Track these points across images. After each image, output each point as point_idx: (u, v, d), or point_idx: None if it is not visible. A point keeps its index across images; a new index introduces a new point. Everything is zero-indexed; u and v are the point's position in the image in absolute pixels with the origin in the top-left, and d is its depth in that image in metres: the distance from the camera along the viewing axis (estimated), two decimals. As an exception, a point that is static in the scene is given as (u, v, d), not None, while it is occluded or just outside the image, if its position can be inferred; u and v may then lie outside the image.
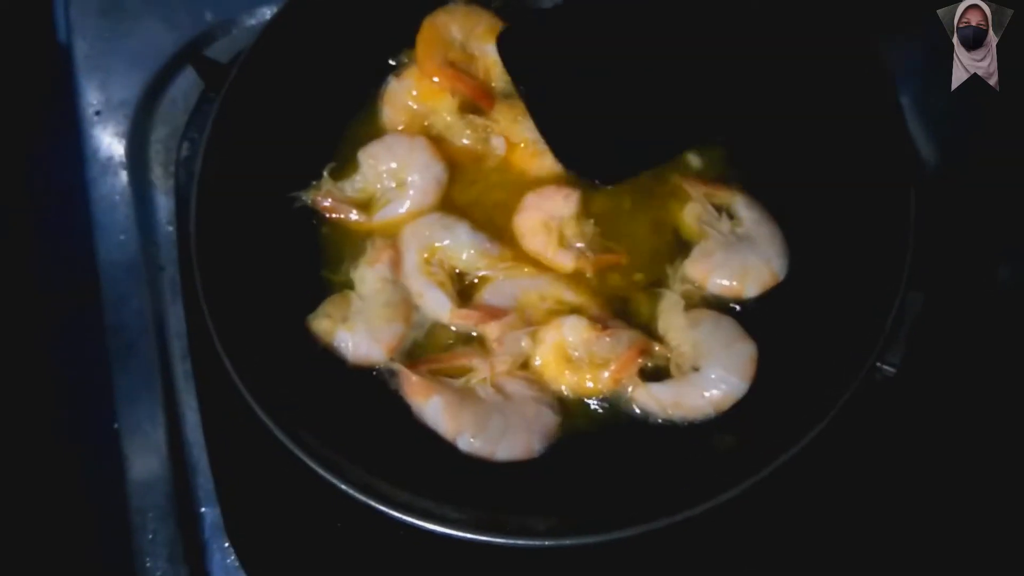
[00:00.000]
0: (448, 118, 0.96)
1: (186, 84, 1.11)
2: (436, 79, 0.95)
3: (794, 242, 0.90)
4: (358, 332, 0.86)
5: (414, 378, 0.84)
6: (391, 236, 0.93)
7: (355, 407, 0.85)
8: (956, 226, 0.94)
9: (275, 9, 1.12)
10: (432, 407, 0.83)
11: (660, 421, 0.84)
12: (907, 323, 0.79)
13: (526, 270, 0.90)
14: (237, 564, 0.90)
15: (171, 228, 1.05)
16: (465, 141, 0.97)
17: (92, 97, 1.12)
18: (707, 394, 0.83)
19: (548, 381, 0.86)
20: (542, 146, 0.94)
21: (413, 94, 0.97)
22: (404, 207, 0.94)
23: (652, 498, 0.75)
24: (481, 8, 1.00)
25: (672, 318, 0.87)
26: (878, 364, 0.76)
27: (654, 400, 0.84)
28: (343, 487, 0.73)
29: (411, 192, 0.94)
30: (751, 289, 0.89)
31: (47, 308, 1.07)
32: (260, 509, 0.90)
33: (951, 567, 0.83)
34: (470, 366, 0.87)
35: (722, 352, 0.84)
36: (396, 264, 0.91)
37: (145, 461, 0.95)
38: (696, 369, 0.85)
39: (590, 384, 0.85)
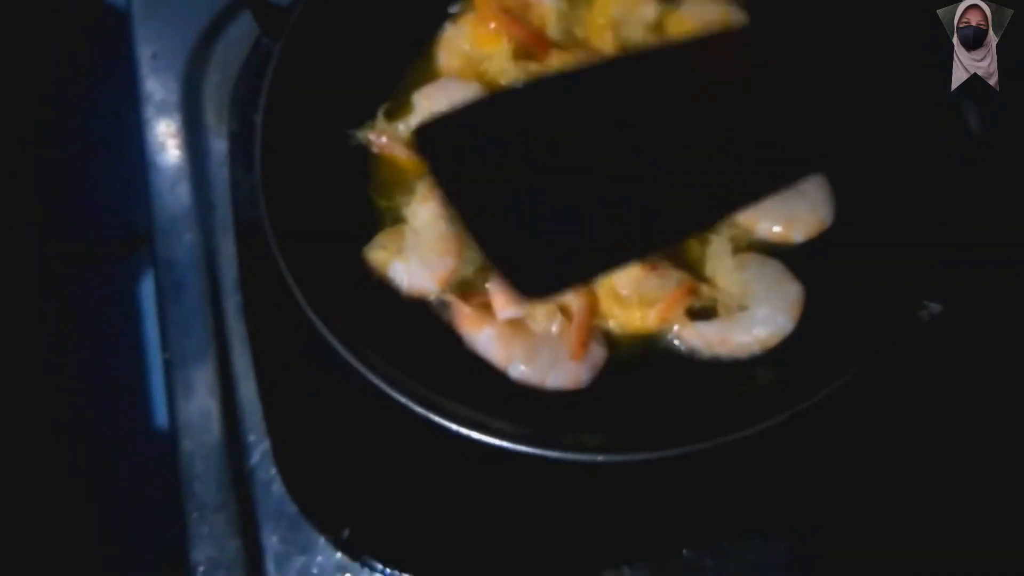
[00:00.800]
0: (503, 63, 0.98)
1: (239, 32, 1.14)
2: (493, 24, 0.98)
3: (840, 189, 0.92)
4: (412, 263, 0.89)
5: (467, 309, 0.86)
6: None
7: (410, 335, 0.87)
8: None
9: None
10: (484, 337, 0.85)
11: (706, 358, 0.87)
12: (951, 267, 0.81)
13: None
14: (284, 490, 0.91)
15: (224, 169, 1.07)
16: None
17: (149, 41, 1.14)
18: (754, 332, 0.85)
19: (598, 317, 0.88)
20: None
21: (469, 40, 0.99)
22: (456, 147, 0.97)
23: (700, 423, 0.77)
24: (539, -40, 1.02)
25: (720, 262, 0.89)
26: (924, 302, 0.78)
27: (701, 338, 0.86)
28: (403, 400, 0.75)
29: (463, 132, 0.97)
30: (798, 234, 0.91)
31: (103, 244, 1.10)
32: (307, 439, 0.92)
33: (985, 500, 0.85)
34: None
35: (769, 292, 0.87)
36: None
37: (195, 391, 0.97)
38: (743, 309, 0.87)
39: (638, 321, 0.87)
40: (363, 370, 0.77)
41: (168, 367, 0.98)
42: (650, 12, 1.00)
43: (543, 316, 0.86)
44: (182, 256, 1.03)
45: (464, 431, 0.74)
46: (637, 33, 0.99)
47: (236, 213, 1.03)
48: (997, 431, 0.88)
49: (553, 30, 1.00)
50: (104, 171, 1.18)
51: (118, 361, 1.12)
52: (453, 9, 1.04)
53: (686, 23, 1.00)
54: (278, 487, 0.92)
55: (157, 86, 1.12)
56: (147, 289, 1.07)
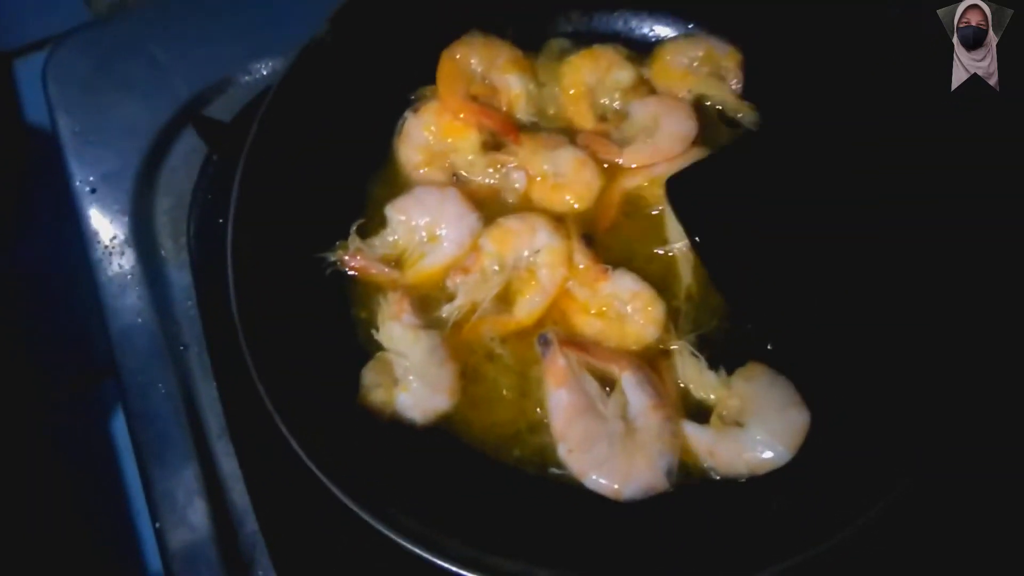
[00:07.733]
0: (471, 156, 0.91)
1: (186, 149, 1.06)
2: (461, 116, 0.91)
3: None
4: (417, 389, 0.81)
5: (561, 362, 0.80)
6: (413, 286, 0.88)
7: (397, 459, 0.81)
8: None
9: (268, 63, 1.09)
10: (558, 397, 0.79)
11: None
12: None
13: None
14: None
15: (190, 303, 0.98)
16: (489, 180, 0.92)
17: (85, 174, 1.05)
18: (746, 455, 0.77)
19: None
20: (561, 179, 0.90)
21: (432, 130, 0.92)
22: (439, 260, 0.89)
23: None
24: (499, 39, 0.95)
25: (690, 372, 0.82)
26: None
27: (692, 439, 0.79)
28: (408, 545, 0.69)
29: (444, 244, 0.89)
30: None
31: (60, 399, 1.00)
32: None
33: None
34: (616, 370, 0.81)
35: (772, 415, 0.78)
36: (416, 308, 0.86)
37: (193, 555, 0.88)
38: (740, 424, 0.79)
39: None
40: (384, 529, 0.69)
41: (160, 536, 0.89)
42: (625, 75, 0.93)
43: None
44: (159, 407, 0.94)
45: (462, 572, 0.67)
46: (614, 98, 0.94)
47: (212, 350, 0.95)
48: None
49: (523, 113, 0.94)
50: (56, 317, 1.08)
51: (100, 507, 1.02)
52: (413, 97, 0.96)
53: (672, 71, 0.95)
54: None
55: (103, 221, 1.03)
56: (119, 421, 0.97)
